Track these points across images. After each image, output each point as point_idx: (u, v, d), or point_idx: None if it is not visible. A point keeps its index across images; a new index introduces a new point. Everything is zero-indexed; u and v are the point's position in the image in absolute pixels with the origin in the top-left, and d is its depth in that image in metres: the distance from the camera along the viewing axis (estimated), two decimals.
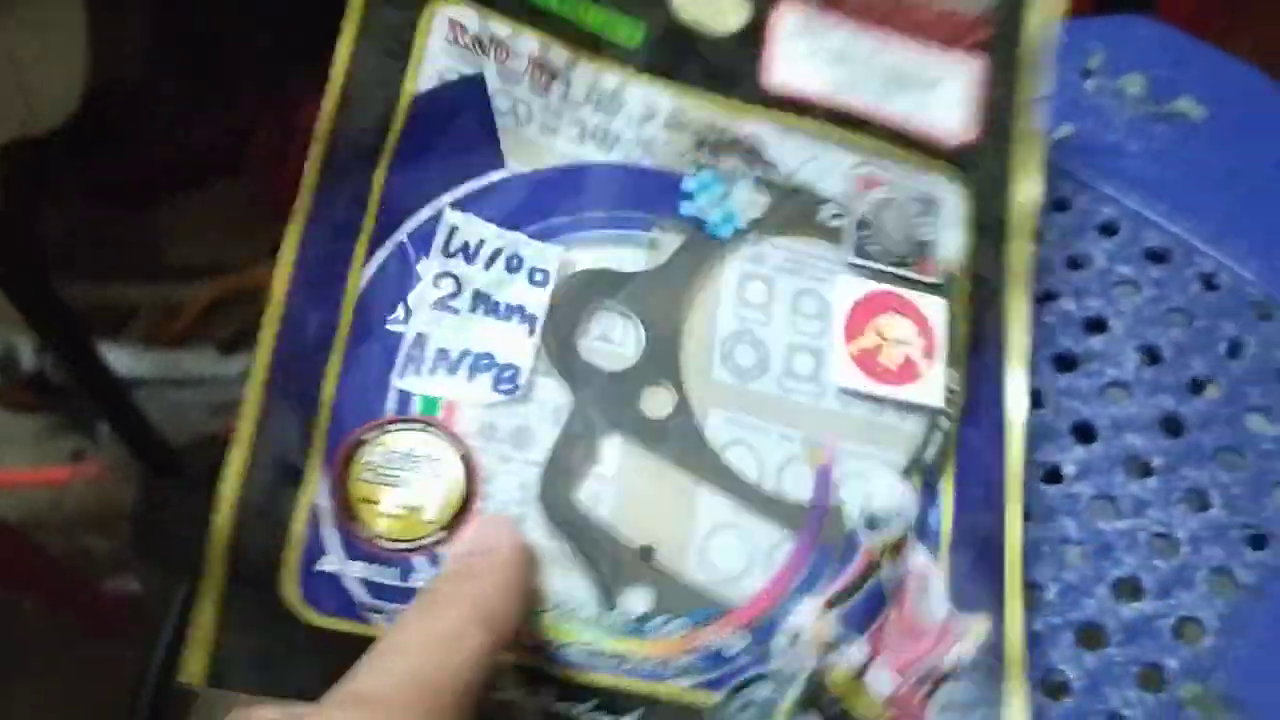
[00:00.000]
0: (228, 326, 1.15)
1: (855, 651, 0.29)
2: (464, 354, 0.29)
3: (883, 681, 0.29)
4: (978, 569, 0.31)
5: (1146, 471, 0.36)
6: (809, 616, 0.29)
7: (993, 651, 0.30)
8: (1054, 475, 0.35)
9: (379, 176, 0.30)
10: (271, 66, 1.16)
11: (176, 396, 1.03)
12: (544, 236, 0.31)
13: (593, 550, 0.29)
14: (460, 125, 0.30)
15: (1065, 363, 0.37)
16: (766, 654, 0.29)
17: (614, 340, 0.30)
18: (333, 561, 0.27)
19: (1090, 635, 0.33)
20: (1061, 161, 0.41)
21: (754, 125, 0.33)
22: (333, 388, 0.28)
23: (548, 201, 0.31)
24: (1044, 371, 0.37)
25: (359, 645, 0.25)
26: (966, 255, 0.34)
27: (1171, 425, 0.37)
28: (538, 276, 0.30)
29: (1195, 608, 0.34)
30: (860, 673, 0.29)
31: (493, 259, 0.30)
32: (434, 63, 0.30)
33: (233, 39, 1.17)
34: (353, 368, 0.28)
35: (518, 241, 0.30)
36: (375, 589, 0.27)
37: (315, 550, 0.27)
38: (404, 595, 0.27)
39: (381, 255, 0.29)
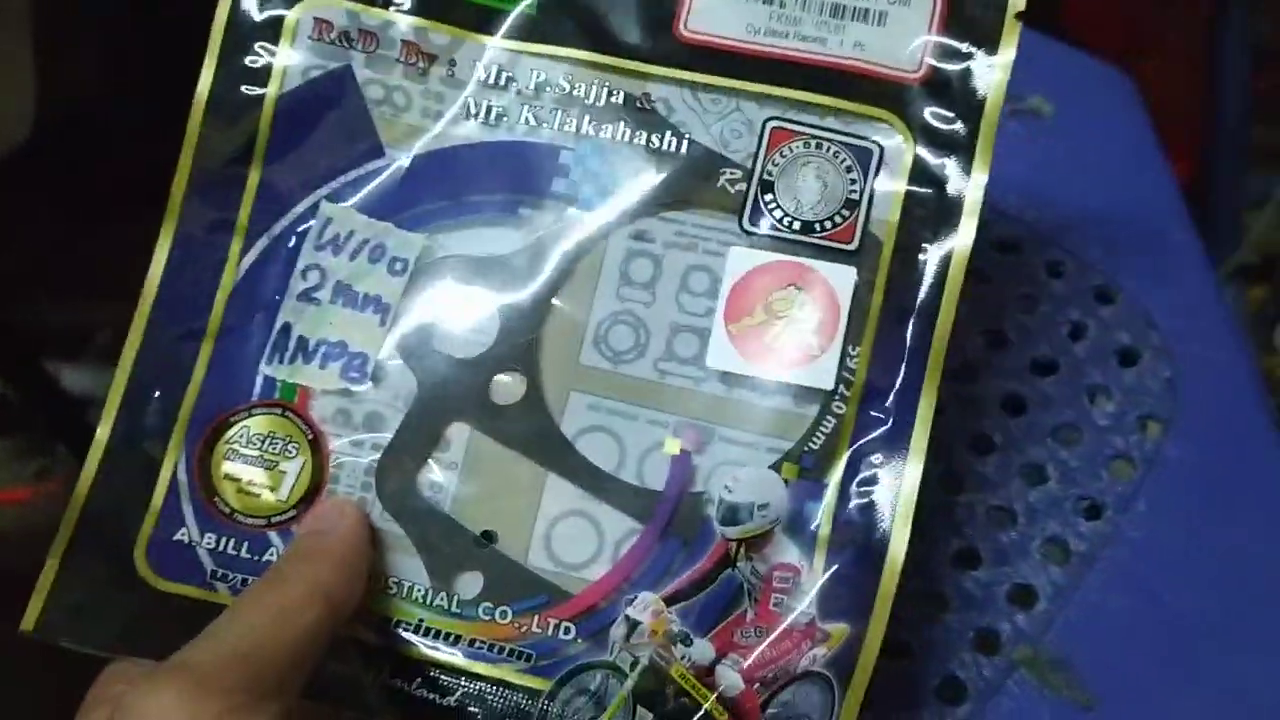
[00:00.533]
0: None
1: (699, 650, 0.28)
2: (320, 343, 0.31)
3: (728, 682, 0.28)
4: (852, 575, 0.29)
5: (988, 448, 0.38)
6: (646, 610, 0.29)
7: (843, 662, 0.28)
8: None
9: (253, 177, 0.31)
10: None
11: None
12: (417, 222, 0.31)
13: (426, 536, 0.30)
14: (331, 119, 0.32)
15: None
16: (600, 644, 0.29)
17: (473, 327, 0.31)
18: (188, 533, 0.30)
19: (930, 602, 0.35)
20: None
21: (659, 85, 0.31)
22: (203, 371, 0.30)
23: (424, 187, 0.31)
24: None
25: (200, 610, 0.28)
26: (901, 212, 0.30)
27: (1014, 404, 0.39)
28: (397, 266, 0.31)
29: (1029, 575, 0.36)
30: (705, 672, 0.28)
31: (358, 250, 0.31)
32: (299, 60, 0.32)
33: (191, 63, 1.19)
34: (224, 354, 0.31)
35: (386, 231, 0.31)
36: (224, 559, 0.29)
37: (172, 521, 0.30)
38: (253, 567, 0.29)
39: (258, 249, 0.31)
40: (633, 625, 0.29)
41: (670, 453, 0.30)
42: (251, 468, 0.30)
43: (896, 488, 0.29)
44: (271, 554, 0.29)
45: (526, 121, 0.31)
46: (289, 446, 0.30)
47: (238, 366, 0.31)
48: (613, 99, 0.31)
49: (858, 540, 0.29)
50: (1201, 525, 0.36)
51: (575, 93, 0.31)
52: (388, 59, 0.32)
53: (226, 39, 0.32)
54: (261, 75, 0.31)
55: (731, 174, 0.31)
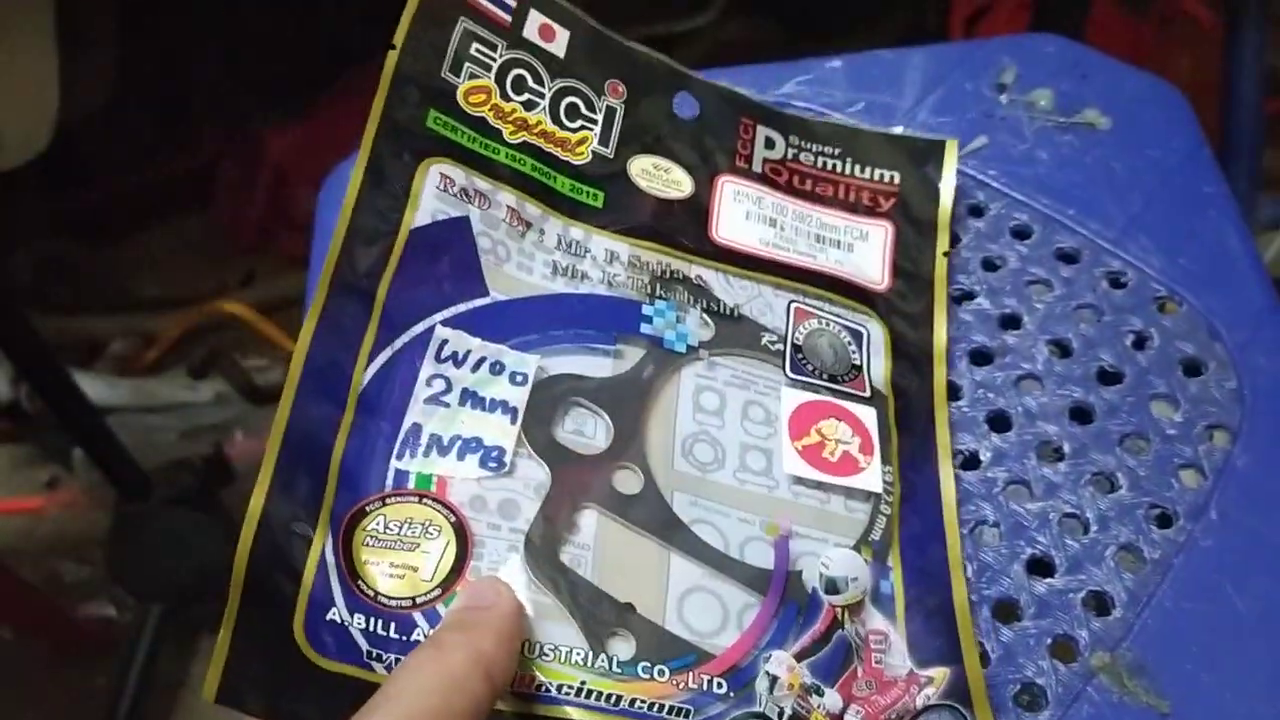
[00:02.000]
0: (197, 354, 1.15)
1: (830, 700, 0.32)
2: (454, 439, 0.33)
3: None
4: (931, 629, 0.34)
5: (1058, 457, 0.38)
6: (782, 666, 0.32)
7: (958, 693, 0.32)
8: (972, 462, 0.38)
9: (381, 292, 0.35)
10: (233, 104, 1.18)
11: (148, 422, 1.04)
12: (522, 349, 0.35)
13: (578, 603, 0.32)
14: (449, 258, 0.36)
15: (981, 357, 0.40)
16: (749, 697, 0.31)
17: (586, 433, 0.35)
18: (338, 612, 0.30)
19: (1005, 610, 0.35)
20: (977, 170, 0.43)
21: (702, 270, 0.39)
22: (338, 462, 0.32)
23: (525, 322, 0.36)
24: (961, 366, 0.39)
25: (362, 689, 0.28)
26: (890, 377, 0.39)
27: (1081, 414, 0.39)
28: (518, 378, 0.35)
29: (1104, 582, 0.35)
30: (838, 718, 0.32)
31: (479, 364, 0.35)
32: (428, 204, 0.36)
33: (196, 77, 1.19)
34: (356, 447, 0.32)
35: (500, 351, 0.35)
36: (376, 640, 0.30)
37: (323, 601, 0.30)
38: (403, 647, 0.30)
39: (383, 358, 0.34)
40: (772, 679, 0.32)
41: (772, 536, 0.35)
42: (392, 551, 0.31)
43: (943, 556, 0.35)
44: (418, 634, 0.30)
45: (607, 283, 0.38)
46: (430, 529, 0.32)
47: (369, 461, 0.32)
48: (674, 273, 0.39)
49: (927, 603, 0.34)
50: (1274, 534, 0.36)
51: (643, 266, 0.39)
52: (495, 217, 0.37)
53: (368, 176, 0.36)
54: (397, 210, 0.36)
55: (770, 337, 0.39)
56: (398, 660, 0.29)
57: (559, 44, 0.41)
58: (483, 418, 0.34)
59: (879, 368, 0.39)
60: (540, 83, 0.40)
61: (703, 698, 0.31)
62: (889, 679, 0.32)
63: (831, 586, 0.34)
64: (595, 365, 0.36)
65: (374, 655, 0.30)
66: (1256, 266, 0.42)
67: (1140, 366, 0.40)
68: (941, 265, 0.41)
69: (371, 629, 0.30)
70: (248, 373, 1.09)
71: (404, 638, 0.30)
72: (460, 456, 0.33)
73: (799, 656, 0.32)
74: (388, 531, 0.31)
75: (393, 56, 0.37)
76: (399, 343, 0.34)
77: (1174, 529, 0.37)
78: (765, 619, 0.33)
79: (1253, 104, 0.84)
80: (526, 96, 0.39)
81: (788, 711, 0.31)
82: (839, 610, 0.33)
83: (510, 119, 0.39)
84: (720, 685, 0.31)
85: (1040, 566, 0.36)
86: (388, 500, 0.32)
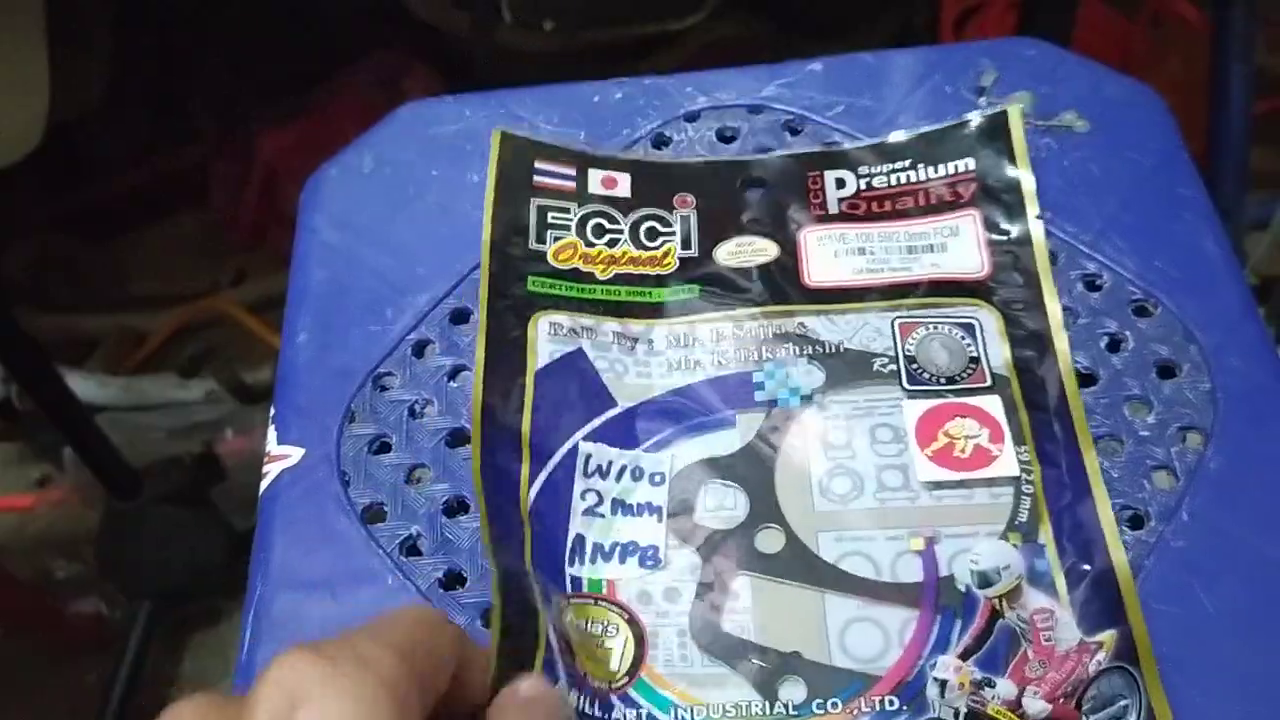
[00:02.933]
0: (188, 353, 1.15)
1: (1003, 688, 0.34)
2: (614, 545, 0.39)
3: (1037, 708, 0.34)
4: (1096, 597, 0.36)
5: None
6: (949, 669, 0.34)
7: (1126, 654, 0.34)
8: None
9: (525, 428, 0.41)
10: (228, 102, 1.18)
11: (139, 420, 1.04)
12: (656, 447, 0.41)
13: (746, 662, 0.36)
14: (575, 385, 0.42)
15: None
16: (922, 706, 0.34)
17: (726, 506, 0.39)
18: (563, 685, 0.34)
19: None
20: None
21: (803, 317, 0.43)
22: (530, 562, 0.38)
23: (654, 422, 0.41)
24: None
25: None
26: (1012, 360, 0.41)
27: None
28: (656, 479, 0.40)
29: None
30: (1014, 705, 0.34)
31: (620, 474, 0.40)
32: (544, 348, 0.42)
33: (191, 76, 1.19)
34: (538, 555, 0.38)
35: (637, 457, 0.40)
36: (583, 716, 0.35)
37: (553, 673, 0.35)
38: None
39: (541, 479, 0.40)
40: (941, 684, 0.34)
41: (917, 549, 0.37)
42: (585, 645, 0.36)
43: (1095, 520, 0.37)
44: (615, 713, 0.35)
45: (717, 364, 0.42)
46: (609, 628, 0.37)
47: (552, 565, 0.38)
48: (776, 331, 0.42)
49: (1086, 569, 0.36)
50: (1244, 536, 0.37)
51: (746, 334, 0.42)
52: (605, 343, 0.43)
53: (488, 341, 0.42)
54: (519, 361, 0.42)
55: (881, 360, 0.41)
56: None
57: (623, 187, 0.47)
58: (634, 522, 0.39)
59: (997, 353, 0.41)
60: (616, 222, 0.46)
61: (878, 717, 0.34)
62: (1061, 654, 0.35)
63: (984, 580, 0.36)
64: (722, 442, 0.40)
65: None
66: (1232, 269, 0.42)
67: (1115, 369, 0.40)
68: (1038, 230, 0.43)
69: (581, 706, 0.34)
70: (238, 372, 1.09)
71: (605, 715, 0.35)
72: (622, 560, 0.38)
73: (964, 655, 0.35)
74: (578, 627, 0.37)
75: (485, 245, 0.44)
76: (551, 464, 0.40)
77: (1145, 530, 0.37)
78: (924, 630, 0.36)
79: (1240, 103, 0.85)
80: (607, 238, 0.45)
81: (963, 710, 0.34)
82: (996, 601, 0.36)
83: (598, 261, 0.45)
84: (892, 702, 0.35)
85: None
86: (571, 600, 0.37)
